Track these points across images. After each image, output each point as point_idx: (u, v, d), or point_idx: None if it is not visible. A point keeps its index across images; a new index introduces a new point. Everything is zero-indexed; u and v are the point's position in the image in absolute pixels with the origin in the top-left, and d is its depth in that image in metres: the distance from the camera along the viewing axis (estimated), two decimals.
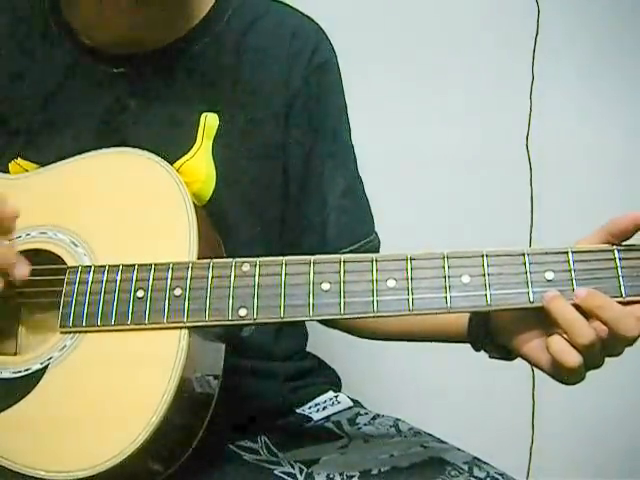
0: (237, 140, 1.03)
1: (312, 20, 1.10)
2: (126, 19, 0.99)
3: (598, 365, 0.79)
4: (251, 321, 0.81)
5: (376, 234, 1.13)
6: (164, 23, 1.02)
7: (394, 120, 1.60)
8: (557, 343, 0.77)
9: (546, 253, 0.79)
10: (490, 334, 0.90)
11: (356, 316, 0.80)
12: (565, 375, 0.79)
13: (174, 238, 0.86)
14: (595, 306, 0.76)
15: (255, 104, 1.04)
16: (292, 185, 1.07)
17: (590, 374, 0.79)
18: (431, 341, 1.04)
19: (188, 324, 0.81)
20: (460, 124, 1.61)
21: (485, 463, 0.93)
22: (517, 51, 1.62)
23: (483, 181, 1.61)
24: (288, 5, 1.11)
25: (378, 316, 0.79)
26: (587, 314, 0.76)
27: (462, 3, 1.61)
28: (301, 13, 1.10)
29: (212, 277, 0.82)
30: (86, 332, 0.84)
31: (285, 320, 0.80)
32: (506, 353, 0.89)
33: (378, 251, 1.12)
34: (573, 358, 0.76)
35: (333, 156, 1.09)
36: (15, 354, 0.94)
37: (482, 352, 0.93)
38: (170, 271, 0.83)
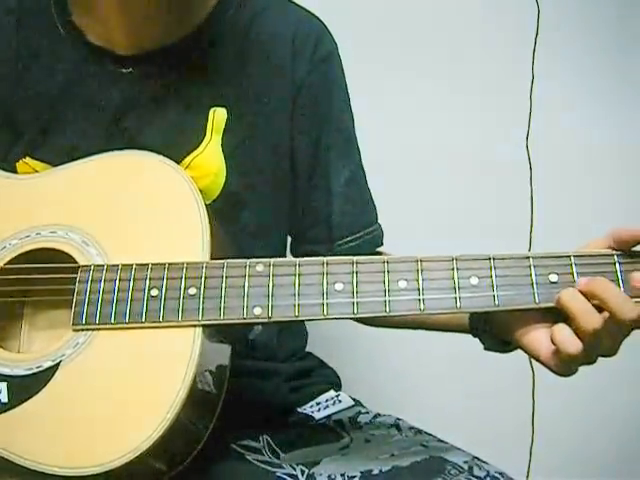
0: (246, 133, 1.04)
1: (313, 14, 1.11)
2: (131, 20, 1.00)
3: (593, 360, 0.80)
4: (266, 320, 0.81)
5: (379, 224, 1.14)
6: (169, 22, 1.02)
7: (394, 120, 1.60)
8: (562, 330, 0.78)
9: (549, 257, 0.81)
10: (489, 325, 0.91)
11: (369, 315, 0.81)
12: (564, 365, 0.80)
13: (186, 238, 0.87)
14: (600, 289, 0.77)
15: (262, 96, 1.05)
16: (300, 175, 1.09)
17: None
18: (433, 330, 1.04)
19: (203, 322, 0.82)
20: (460, 124, 1.62)
21: (485, 462, 0.93)
22: (517, 51, 1.62)
23: (483, 181, 1.61)
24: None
25: (391, 316, 0.80)
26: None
27: (462, 3, 1.62)
28: (302, 7, 1.11)
29: (226, 277, 0.83)
30: (99, 330, 0.84)
31: (300, 319, 0.81)
32: (502, 345, 0.91)
33: (381, 241, 1.13)
34: (576, 346, 0.77)
35: (338, 146, 1.10)
36: (18, 352, 0.93)
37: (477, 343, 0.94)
38: (184, 270, 0.84)
